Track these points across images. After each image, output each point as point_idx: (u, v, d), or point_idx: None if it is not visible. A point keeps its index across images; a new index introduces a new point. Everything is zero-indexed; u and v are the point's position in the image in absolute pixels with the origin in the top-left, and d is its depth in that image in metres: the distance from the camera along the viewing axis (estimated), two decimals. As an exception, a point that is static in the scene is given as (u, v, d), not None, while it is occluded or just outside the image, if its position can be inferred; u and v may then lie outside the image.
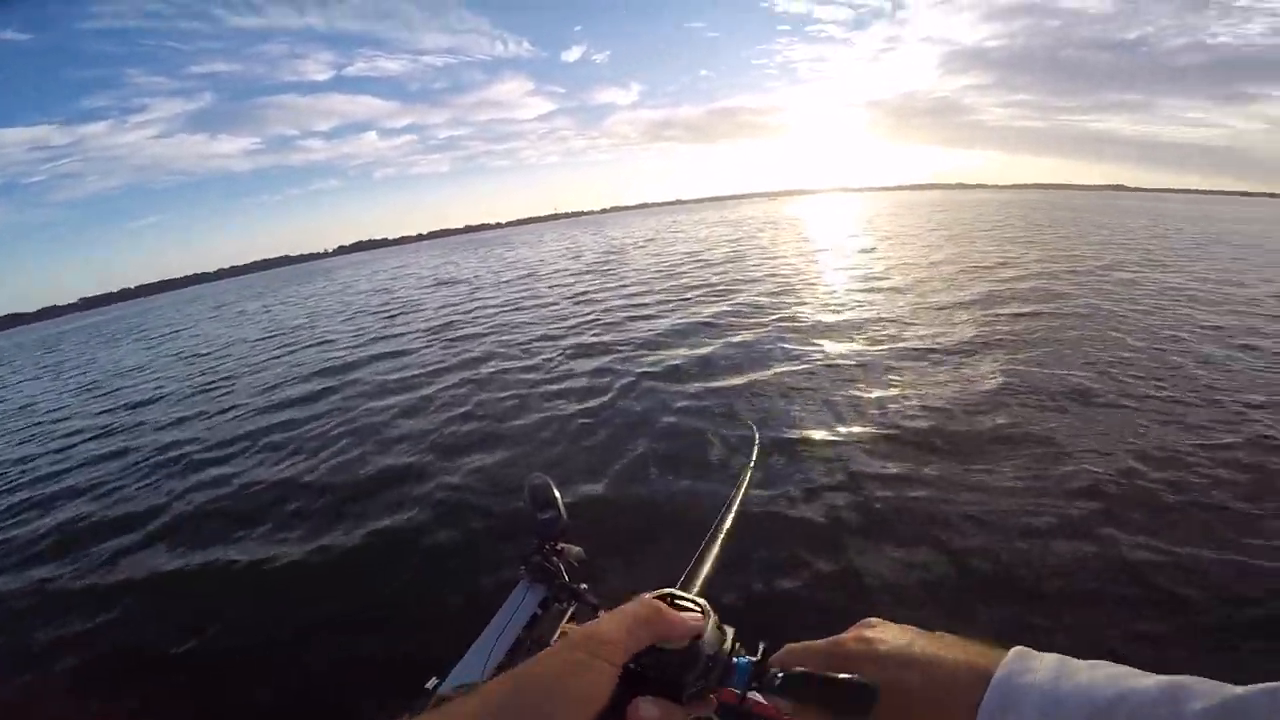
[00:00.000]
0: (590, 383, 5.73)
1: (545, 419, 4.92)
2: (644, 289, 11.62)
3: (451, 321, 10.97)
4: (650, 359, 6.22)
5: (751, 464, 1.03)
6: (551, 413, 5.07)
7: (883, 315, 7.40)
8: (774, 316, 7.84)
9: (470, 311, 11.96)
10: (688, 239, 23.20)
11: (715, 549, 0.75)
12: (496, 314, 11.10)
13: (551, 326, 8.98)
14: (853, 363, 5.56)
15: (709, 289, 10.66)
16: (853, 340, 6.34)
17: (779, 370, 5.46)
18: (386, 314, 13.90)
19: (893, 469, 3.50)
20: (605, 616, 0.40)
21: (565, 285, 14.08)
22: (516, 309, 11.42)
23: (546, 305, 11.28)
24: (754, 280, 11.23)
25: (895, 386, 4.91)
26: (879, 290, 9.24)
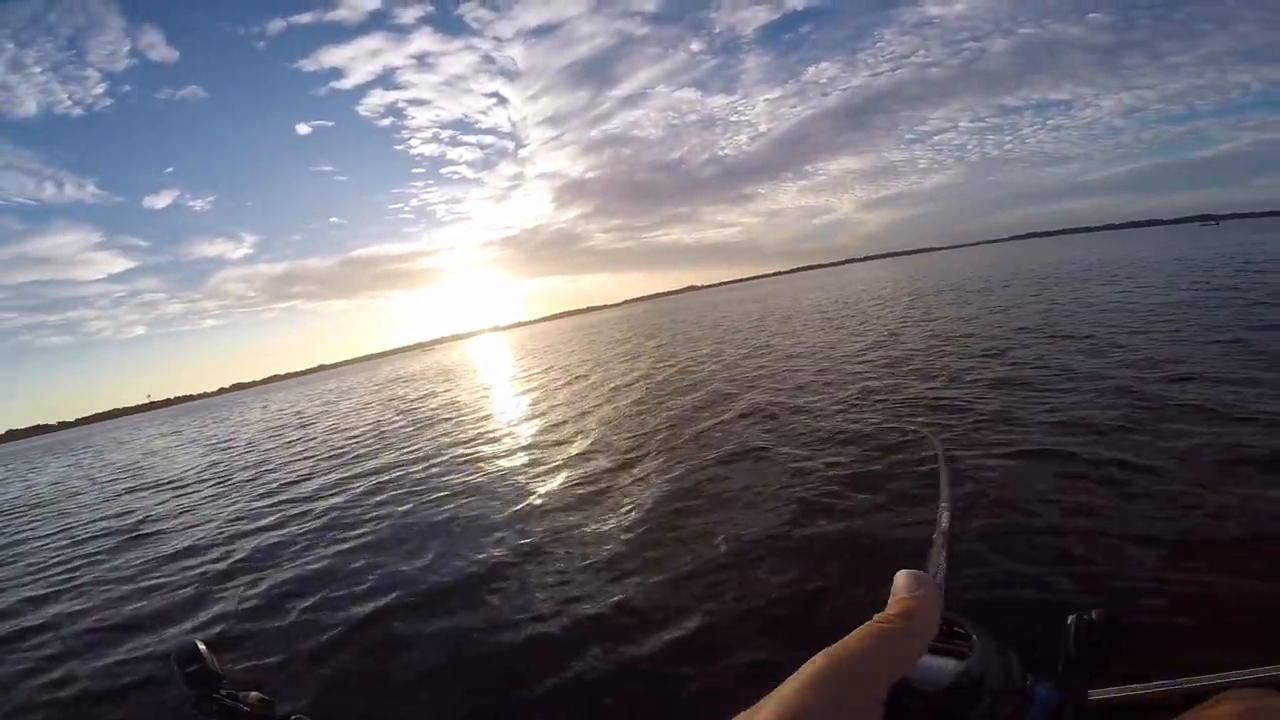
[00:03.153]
0: None
1: None
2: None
3: None
4: None
5: (943, 457, 0.84)
6: None
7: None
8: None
9: None
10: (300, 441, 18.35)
11: (942, 555, 0.55)
12: None
13: None
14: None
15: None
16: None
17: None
18: None
19: None
20: (850, 637, 0.27)
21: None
22: None
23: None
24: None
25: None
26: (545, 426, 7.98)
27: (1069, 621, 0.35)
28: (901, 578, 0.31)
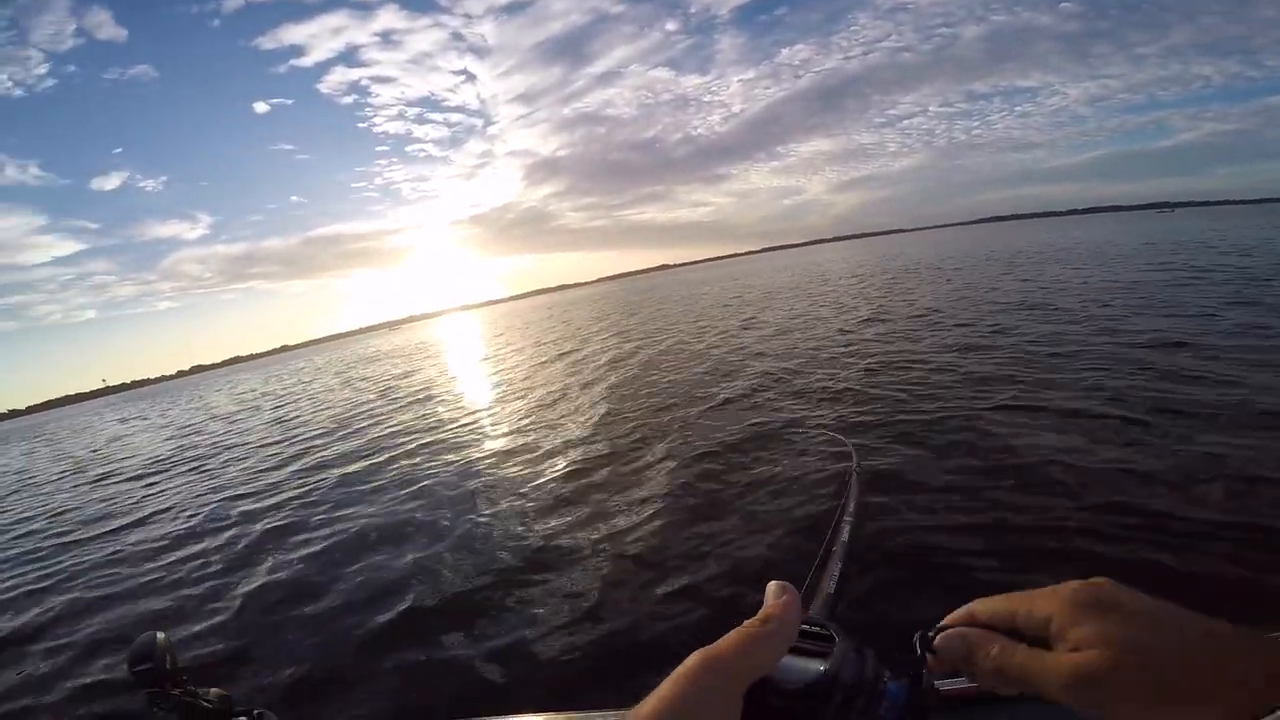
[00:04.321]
0: None
1: None
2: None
3: None
4: None
5: (855, 470, 0.92)
6: None
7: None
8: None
9: None
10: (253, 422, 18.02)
11: (837, 566, 0.63)
12: None
13: None
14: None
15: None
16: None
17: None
18: None
19: None
20: (722, 639, 0.32)
21: None
22: None
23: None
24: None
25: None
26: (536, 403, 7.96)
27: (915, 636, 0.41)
28: (771, 586, 0.36)
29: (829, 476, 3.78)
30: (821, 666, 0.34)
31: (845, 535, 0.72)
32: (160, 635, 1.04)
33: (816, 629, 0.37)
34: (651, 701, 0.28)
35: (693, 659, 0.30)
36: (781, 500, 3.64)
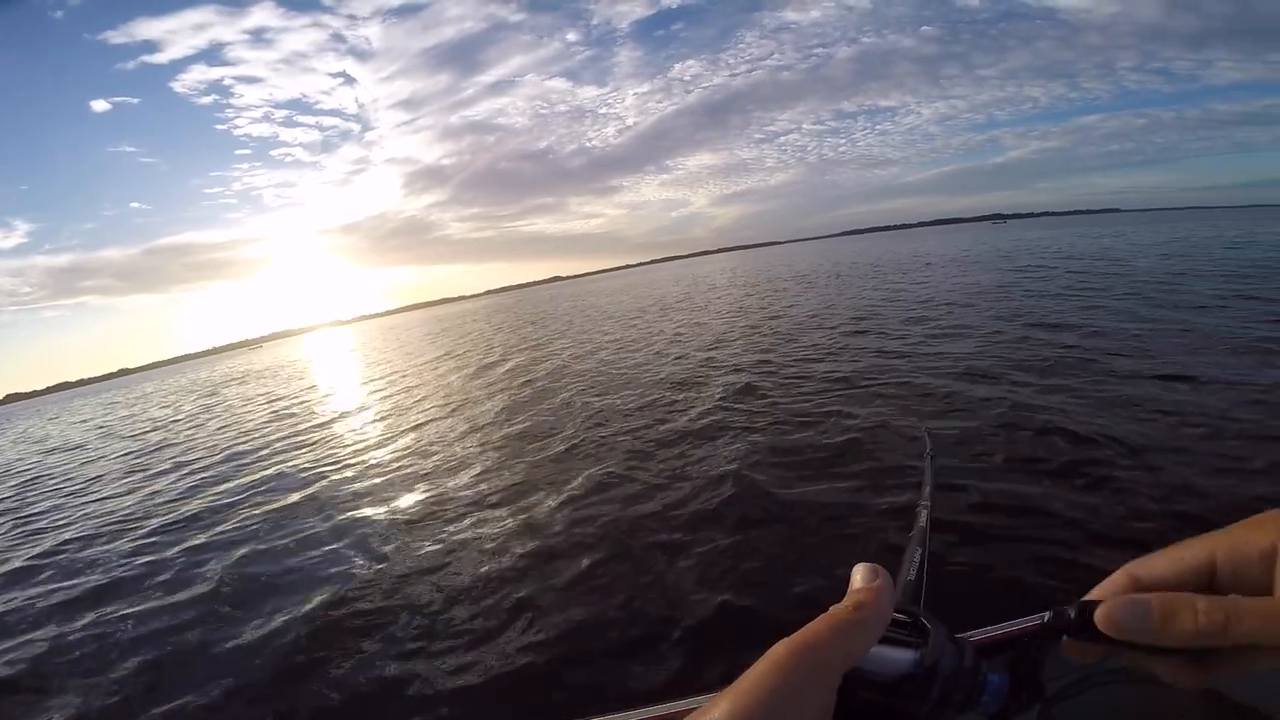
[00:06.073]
0: None
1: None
2: None
3: None
4: None
5: (930, 454, 0.90)
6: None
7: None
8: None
9: None
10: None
11: (916, 551, 0.58)
12: None
13: None
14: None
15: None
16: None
17: None
18: None
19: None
20: (807, 627, 0.29)
21: None
22: None
23: None
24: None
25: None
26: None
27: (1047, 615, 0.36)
28: (858, 570, 0.33)
29: (904, 464, 3.67)
30: (914, 656, 0.32)
31: (924, 520, 0.70)
32: None
33: (902, 616, 0.34)
34: (734, 696, 0.25)
35: (781, 648, 0.27)
36: (854, 485, 3.48)
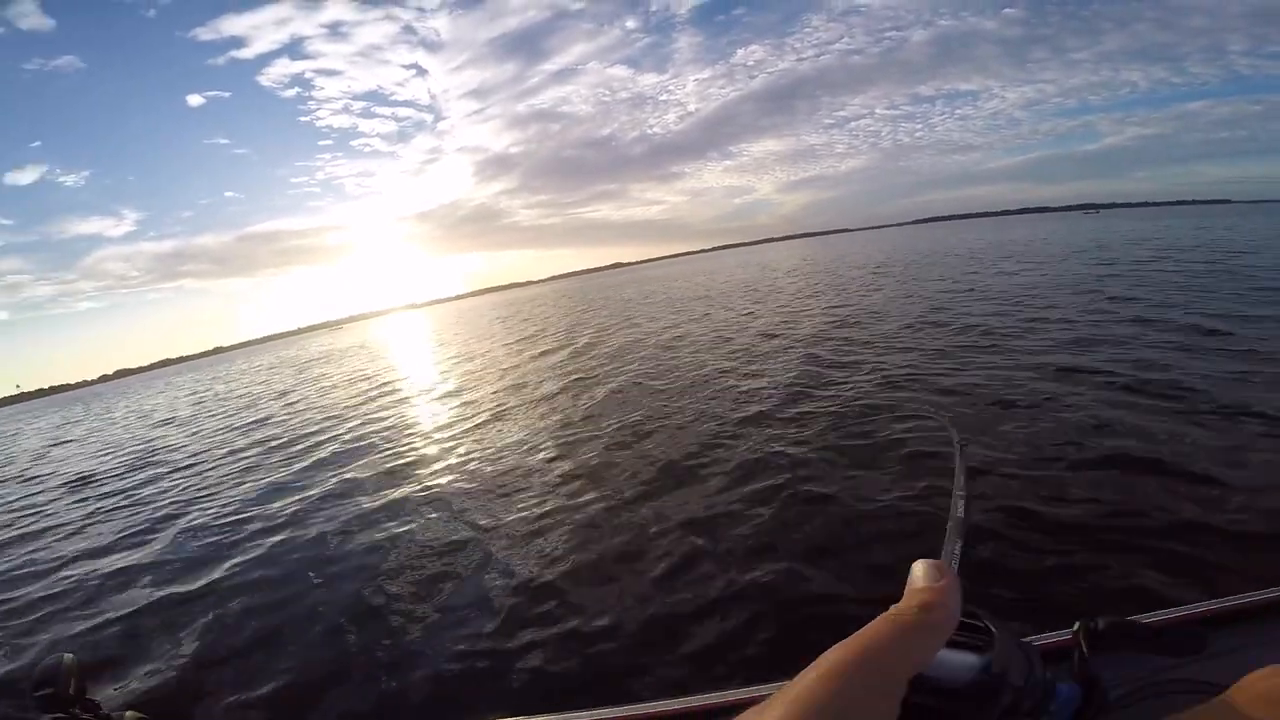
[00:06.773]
0: None
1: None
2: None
3: None
4: None
5: (959, 445, 0.85)
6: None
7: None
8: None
9: None
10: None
11: (956, 545, 0.56)
12: None
13: None
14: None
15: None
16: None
17: None
18: None
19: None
20: (865, 629, 0.26)
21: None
22: None
23: None
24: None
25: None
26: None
27: (1075, 626, 0.35)
28: (920, 568, 0.30)
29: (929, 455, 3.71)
30: (981, 661, 0.30)
31: (960, 510, 0.67)
32: (68, 657, 1.00)
33: (965, 618, 0.31)
34: (785, 704, 0.22)
35: (837, 653, 0.24)
36: (882, 481, 3.51)
